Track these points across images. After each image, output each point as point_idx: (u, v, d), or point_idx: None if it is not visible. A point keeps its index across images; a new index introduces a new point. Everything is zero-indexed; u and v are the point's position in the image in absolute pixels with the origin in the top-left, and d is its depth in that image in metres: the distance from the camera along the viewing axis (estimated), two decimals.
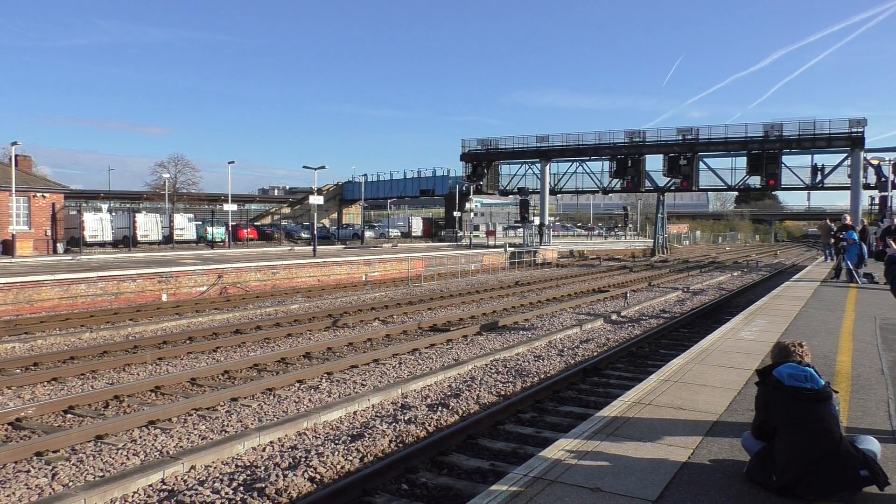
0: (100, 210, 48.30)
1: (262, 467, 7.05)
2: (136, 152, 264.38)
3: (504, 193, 63.42)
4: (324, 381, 11.05)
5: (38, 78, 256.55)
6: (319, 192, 52.89)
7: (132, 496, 6.35)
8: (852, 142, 44.27)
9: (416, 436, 8.14)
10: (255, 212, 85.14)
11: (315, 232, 37.25)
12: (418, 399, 9.94)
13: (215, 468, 7.07)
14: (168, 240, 45.24)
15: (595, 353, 13.24)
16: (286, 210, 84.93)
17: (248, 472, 6.90)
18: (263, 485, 6.46)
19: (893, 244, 7.24)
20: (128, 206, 65.54)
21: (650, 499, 4.30)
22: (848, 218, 24.55)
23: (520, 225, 57.47)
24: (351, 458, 7.29)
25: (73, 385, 10.92)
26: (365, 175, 74.79)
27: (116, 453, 7.54)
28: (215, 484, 6.59)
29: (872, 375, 7.78)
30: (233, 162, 52.52)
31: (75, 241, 38.24)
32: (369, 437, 7.95)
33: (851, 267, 19.93)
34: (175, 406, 9.17)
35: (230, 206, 49.09)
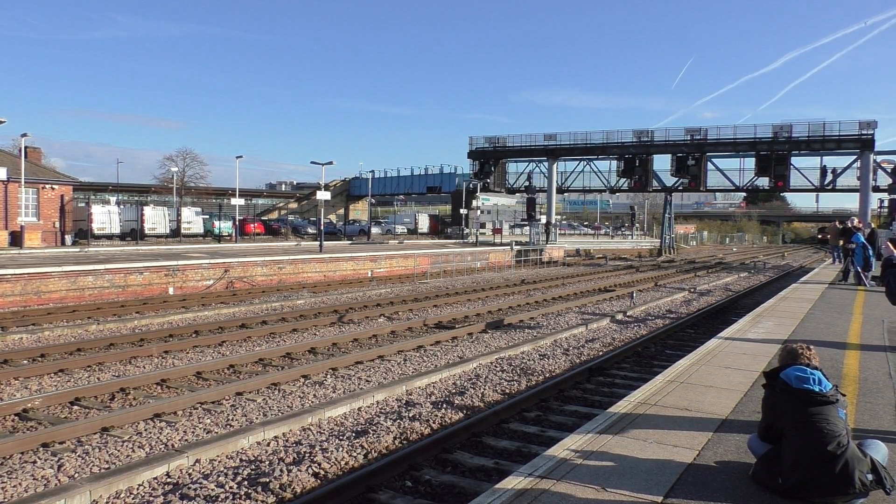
0: (108, 202, 48.42)
1: (267, 462, 7.07)
2: (147, 145, 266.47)
3: (511, 191, 63.40)
4: (329, 376, 11.06)
5: (55, 70, 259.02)
6: (326, 187, 53.00)
7: (137, 489, 6.37)
8: (862, 144, 44.01)
9: (420, 433, 8.13)
10: (262, 206, 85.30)
11: (321, 227, 37.27)
12: (423, 396, 9.94)
13: (220, 462, 7.08)
14: (175, 233, 45.40)
15: (601, 353, 13.22)
16: (293, 205, 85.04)
17: (253, 467, 6.92)
18: (267, 479, 6.48)
19: (891, 247, 7.18)
20: (136, 198, 65.82)
21: (655, 500, 4.28)
22: (856, 220, 24.42)
23: (526, 223, 57.43)
24: (355, 454, 7.30)
25: (80, 377, 10.97)
26: (372, 171, 74.96)
27: (122, 446, 7.57)
28: (220, 478, 6.61)
29: (880, 379, 7.74)
30: (241, 156, 52.78)
31: (83, 234, 38.42)
32: (373, 434, 7.95)
33: (859, 269, 19.82)
34: (180, 399, 9.20)
35: (237, 201, 49.26)
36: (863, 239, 20.33)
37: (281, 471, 6.69)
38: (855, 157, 45.33)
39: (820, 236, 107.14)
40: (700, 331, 15.96)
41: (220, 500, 6.11)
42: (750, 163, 48.13)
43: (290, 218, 72.78)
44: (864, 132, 44.01)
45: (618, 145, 51.55)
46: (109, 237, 41.53)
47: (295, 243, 44.60)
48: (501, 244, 46.87)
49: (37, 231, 34.42)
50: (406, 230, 68.65)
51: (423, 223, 71.82)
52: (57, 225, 36.83)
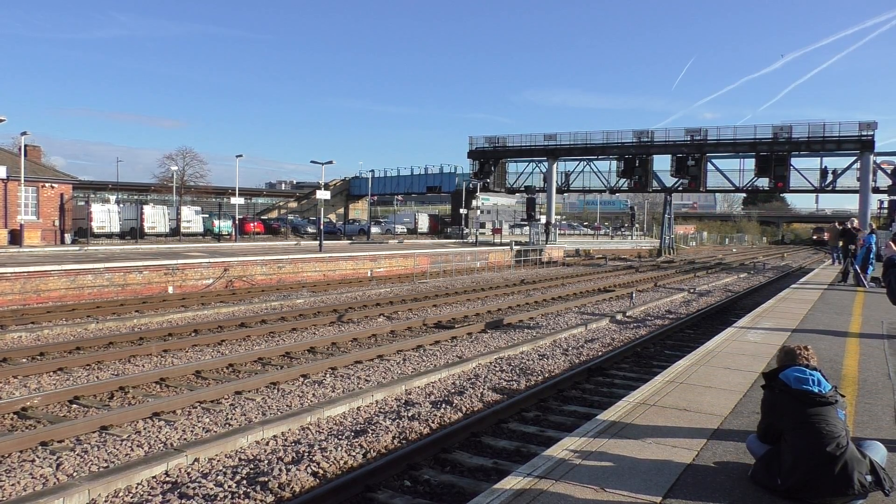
0: (108, 201, 48.43)
1: (266, 461, 7.06)
2: (147, 144, 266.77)
3: (511, 191, 63.38)
4: (328, 375, 11.06)
5: (55, 69, 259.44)
6: (326, 187, 52.94)
7: (136, 487, 6.36)
8: (862, 145, 44.00)
9: (419, 432, 8.13)
10: (261, 206, 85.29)
11: (321, 227, 37.26)
12: (422, 396, 9.94)
13: (219, 461, 7.08)
14: (175, 232, 45.38)
15: (600, 353, 13.21)
16: (293, 204, 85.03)
17: (252, 466, 6.91)
18: (266, 479, 6.47)
19: (893, 246, 7.18)
20: (136, 197, 65.86)
21: (654, 500, 4.28)
22: (856, 221, 24.42)
23: (526, 223, 57.43)
24: (354, 453, 7.29)
25: (79, 375, 10.97)
26: (372, 171, 74.94)
27: (121, 444, 7.56)
28: (218, 477, 6.60)
29: (879, 380, 7.74)
30: (240, 155, 52.68)
31: (83, 232, 38.40)
32: (372, 433, 7.95)
33: (858, 270, 19.83)
34: (179, 398, 9.20)
35: (237, 200, 49.26)
36: (874, 240, 20.30)
37: (280, 470, 6.68)
38: (855, 158, 45.33)
39: (815, 237, 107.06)
40: (699, 331, 15.96)
41: (218, 499, 6.11)
42: (750, 163, 48.15)
43: (290, 217, 72.81)
44: (863, 133, 44.01)
45: (618, 145, 51.55)
46: (109, 236, 41.50)
47: (294, 242, 44.59)
48: (501, 244, 46.86)
49: (36, 229, 34.39)
50: (406, 230, 68.64)
51: (423, 223, 71.80)
52: (56, 223, 36.80)
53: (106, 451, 7.36)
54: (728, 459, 5.03)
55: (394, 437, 7.89)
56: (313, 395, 9.89)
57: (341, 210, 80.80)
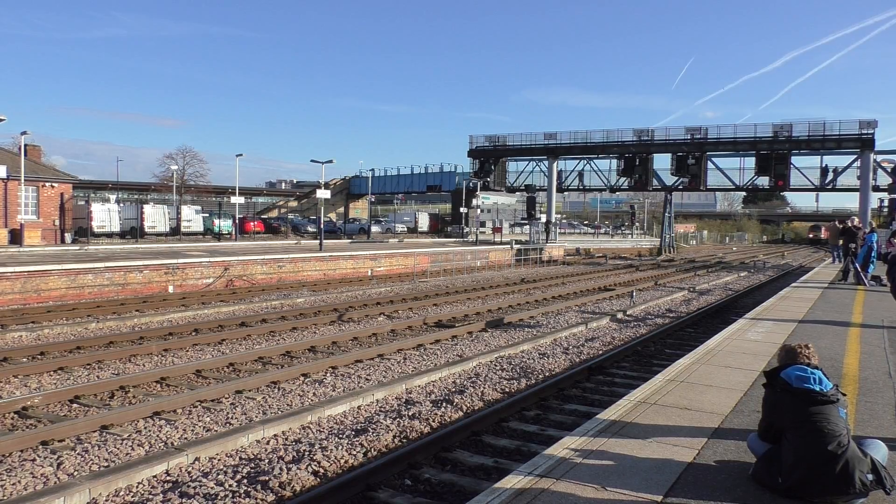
0: (108, 201, 48.51)
1: (266, 460, 7.06)
2: (147, 143, 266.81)
3: (511, 190, 63.33)
4: (328, 375, 11.06)
5: (56, 69, 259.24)
6: (326, 186, 52.86)
7: (136, 487, 6.36)
8: (862, 143, 43.93)
9: (419, 431, 8.13)
10: (262, 205, 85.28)
11: (321, 226, 37.27)
12: (422, 395, 9.94)
13: (219, 460, 7.08)
14: (175, 231, 45.40)
15: (600, 352, 13.21)
16: (293, 203, 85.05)
17: (252, 465, 6.91)
18: (267, 478, 6.47)
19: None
20: (136, 197, 65.86)
21: (655, 499, 4.28)
22: (856, 220, 24.41)
23: (526, 222, 57.44)
24: (354, 452, 7.29)
25: (80, 375, 10.97)
26: (372, 170, 74.87)
27: (121, 444, 7.56)
28: (219, 476, 6.60)
29: (880, 379, 7.73)
30: (241, 155, 52.75)
31: (83, 231, 38.42)
32: (373, 432, 7.95)
33: (859, 268, 19.82)
34: (180, 397, 9.20)
35: (237, 199, 49.25)
36: (875, 239, 20.28)
37: (280, 469, 6.68)
38: (855, 156, 45.27)
39: (812, 235, 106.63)
40: (700, 330, 15.96)
41: (219, 498, 6.11)
42: (750, 162, 48.05)
43: (290, 216, 72.81)
44: (864, 132, 43.92)
45: (618, 144, 51.48)
46: (109, 235, 41.53)
47: (295, 242, 44.58)
48: (501, 243, 46.86)
49: (37, 229, 34.38)
50: (406, 229, 68.65)
51: (423, 222, 71.81)
52: (57, 223, 36.81)
53: (106, 450, 7.36)
54: (729, 458, 5.03)
55: (394, 436, 7.89)
56: (314, 394, 9.89)
57: (341, 209, 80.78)
